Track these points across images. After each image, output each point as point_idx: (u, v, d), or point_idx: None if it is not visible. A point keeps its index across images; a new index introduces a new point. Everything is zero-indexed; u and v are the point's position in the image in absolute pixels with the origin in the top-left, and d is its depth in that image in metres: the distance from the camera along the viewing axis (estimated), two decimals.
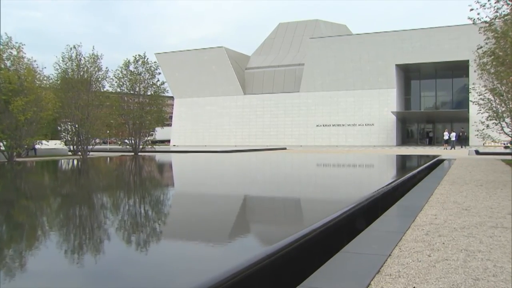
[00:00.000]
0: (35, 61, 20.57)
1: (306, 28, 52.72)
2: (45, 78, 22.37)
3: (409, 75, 47.97)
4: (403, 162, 17.88)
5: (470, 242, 3.80)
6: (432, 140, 47.12)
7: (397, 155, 22.98)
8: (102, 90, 24.47)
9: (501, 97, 16.92)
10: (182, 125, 54.07)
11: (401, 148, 37.39)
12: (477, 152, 26.04)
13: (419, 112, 46.85)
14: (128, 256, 3.46)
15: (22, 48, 19.81)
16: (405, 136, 48.82)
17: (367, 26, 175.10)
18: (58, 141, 27.48)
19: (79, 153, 23.00)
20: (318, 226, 4.07)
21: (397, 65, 43.90)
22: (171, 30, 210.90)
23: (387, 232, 4.20)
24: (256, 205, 6.61)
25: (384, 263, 3.14)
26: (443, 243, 3.74)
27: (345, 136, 46.23)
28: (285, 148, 37.94)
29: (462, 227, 4.40)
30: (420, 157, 19.83)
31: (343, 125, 46.36)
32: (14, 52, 19.61)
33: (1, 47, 19.36)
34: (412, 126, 49.63)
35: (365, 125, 45.49)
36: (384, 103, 44.40)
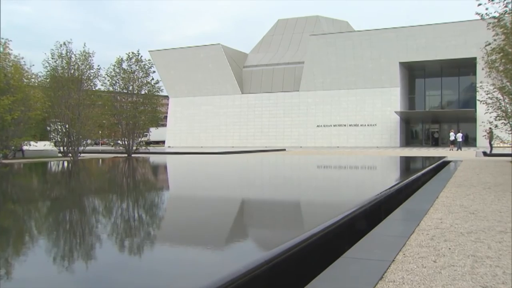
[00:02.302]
0: (22, 58, 20.30)
1: (306, 24, 52.56)
2: (34, 76, 21.87)
3: (414, 73, 47.76)
4: (407, 164, 17.71)
5: (478, 247, 3.70)
6: (438, 141, 46.86)
7: (401, 157, 22.82)
8: (94, 89, 23.88)
9: (511, 96, 16.73)
10: (177, 126, 53.87)
11: (405, 149, 37.30)
12: (484, 154, 25.81)
13: (424, 111, 46.65)
14: (123, 262, 3.38)
15: (9, 44, 19.46)
16: (410, 137, 48.61)
17: (369, 22, 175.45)
18: (47, 142, 27.05)
19: (70, 155, 22.39)
20: (318, 230, 3.99)
21: (401, 63, 43.73)
22: (165, 26, 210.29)
23: (390, 236, 4.12)
24: (254, 209, 6.50)
25: (387, 269, 3.07)
26: (449, 248, 3.65)
27: (347, 137, 46.01)
28: (284, 149, 37.67)
29: (469, 232, 4.31)
30: (425, 158, 19.67)
31: (345, 125, 46.13)
32: (0, 49, 19.27)
33: None
34: (416, 127, 49.43)
35: (368, 125, 45.26)
36: (387, 103, 44.20)
